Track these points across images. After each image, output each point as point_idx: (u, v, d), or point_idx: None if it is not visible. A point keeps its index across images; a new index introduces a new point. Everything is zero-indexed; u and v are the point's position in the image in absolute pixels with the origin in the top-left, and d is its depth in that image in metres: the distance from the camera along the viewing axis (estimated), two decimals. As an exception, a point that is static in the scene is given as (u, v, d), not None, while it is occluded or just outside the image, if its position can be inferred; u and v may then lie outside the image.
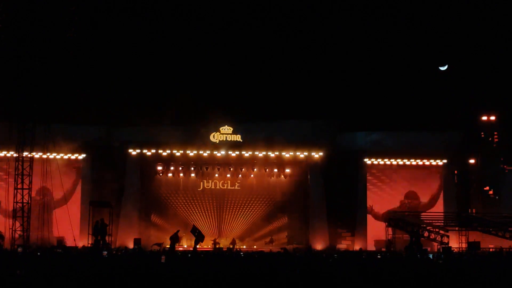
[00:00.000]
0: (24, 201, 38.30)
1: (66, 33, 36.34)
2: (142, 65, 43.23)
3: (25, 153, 38.65)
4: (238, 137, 44.42)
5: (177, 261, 28.17)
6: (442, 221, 42.61)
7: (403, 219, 42.43)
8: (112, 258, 28.41)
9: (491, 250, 40.63)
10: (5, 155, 42.07)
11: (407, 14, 44.15)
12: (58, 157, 42.88)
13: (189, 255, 33.31)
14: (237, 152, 44.30)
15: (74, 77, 40.64)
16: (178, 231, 40.97)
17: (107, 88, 41.89)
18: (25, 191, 38.37)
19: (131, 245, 41.02)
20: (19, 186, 38.41)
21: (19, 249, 26.27)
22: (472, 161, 45.10)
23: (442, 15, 44.02)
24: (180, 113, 42.76)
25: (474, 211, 44.45)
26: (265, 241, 44.98)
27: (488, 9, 43.67)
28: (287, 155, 44.51)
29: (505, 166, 44.89)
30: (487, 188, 45.20)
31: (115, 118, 43.56)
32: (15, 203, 38.37)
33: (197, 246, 39.50)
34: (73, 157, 44.09)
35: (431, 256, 36.70)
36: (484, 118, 45.24)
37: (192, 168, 45.30)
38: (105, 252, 32.35)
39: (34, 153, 39.12)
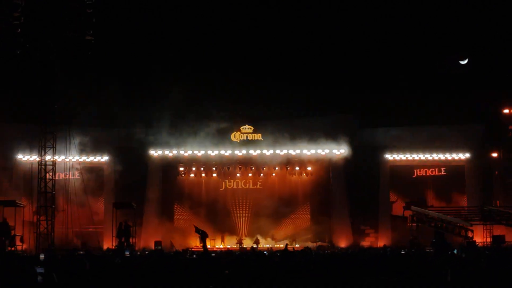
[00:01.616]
0: (48, 204, 38.54)
1: (84, 36, 36.57)
2: (161, 65, 43.27)
3: (47, 157, 38.91)
4: (258, 136, 44.48)
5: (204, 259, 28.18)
6: (466, 216, 42.34)
7: (426, 214, 42.26)
8: (135, 258, 28.51)
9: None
10: (28, 159, 42.41)
11: (426, 7, 43.90)
12: (80, 160, 43.26)
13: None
14: (258, 151, 44.35)
15: (94, 79, 40.84)
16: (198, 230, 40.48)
17: (127, 89, 42.00)
18: (49, 195, 38.61)
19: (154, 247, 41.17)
20: (42, 189, 38.66)
21: (41, 256, 26.33)
22: (494, 154, 44.77)
23: (462, 7, 43.71)
24: (200, 113, 42.81)
25: (498, 204, 44.10)
26: (288, 240, 44.90)
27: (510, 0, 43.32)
28: (308, 153, 44.47)
29: None
30: (511, 181, 44.82)
31: (136, 120, 43.68)
32: (38, 207, 38.63)
33: (207, 244, 39.56)
34: (95, 159, 44.35)
35: (455, 251, 36.54)
36: (506, 111, 44.86)
37: (214, 168, 45.39)
38: (127, 253, 32.46)
39: (56, 157, 39.37)
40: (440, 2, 44.00)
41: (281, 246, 42.93)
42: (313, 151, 44.35)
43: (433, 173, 46.11)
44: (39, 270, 17.37)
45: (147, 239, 42.69)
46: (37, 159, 39.36)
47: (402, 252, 36.18)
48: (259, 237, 44.81)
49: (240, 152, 44.31)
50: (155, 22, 43.97)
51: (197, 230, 39.74)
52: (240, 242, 43.87)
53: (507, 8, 42.85)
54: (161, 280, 19.78)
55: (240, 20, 44.20)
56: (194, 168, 45.23)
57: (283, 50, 45.00)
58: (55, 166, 39.08)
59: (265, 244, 44.27)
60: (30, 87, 38.85)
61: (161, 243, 40.78)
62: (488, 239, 40.93)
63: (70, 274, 18.27)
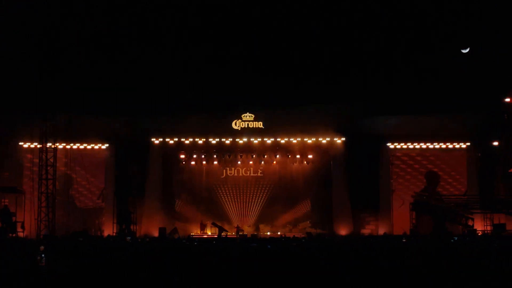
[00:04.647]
0: (49, 191, 38.66)
1: (87, 24, 36.64)
2: (163, 53, 43.27)
3: (48, 144, 38.99)
4: (260, 124, 44.46)
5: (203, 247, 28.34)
6: (466, 204, 42.41)
7: (427, 202, 42.34)
8: (136, 244, 28.66)
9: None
10: (29, 146, 42.46)
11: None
12: (81, 147, 43.30)
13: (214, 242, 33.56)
14: (259, 139, 44.38)
15: (95, 67, 40.84)
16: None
17: (128, 77, 41.98)
18: (50, 181, 38.73)
19: (155, 234, 41.27)
20: (44, 176, 38.77)
21: (41, 247, 26.32)
22: (495, 143, 44.74)
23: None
24: (202, 100, 42.79)
25: (498, 193, 44.11)
26: (288, 227, 45.02)
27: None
28: (309, 141, 44.50)
29: None
30: (511, 170, 44.81)
31: (137, 107, 43.65)
32: (40, 193, 38.73)
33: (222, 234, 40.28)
34: (96, 147, 44.36)
35: (455, 239, 36.69)
36: (507, 100, 44.80)
37: (215, 156, 45.40)
38: (128, 238, 32.61)
39: (57, 144, 39.44)
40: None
41: (279, 233, 43.18)
42: (314, 139, 44.37)
43: (433, 161, 46.13)
44: (41, 255, 17.47)
45: (148, 226, 42.74)
46: (39, 146, 39.46)
47: (403, 240, 36.42)
48: (259, 225, 44.99)
49: (241, 140, 44.31)
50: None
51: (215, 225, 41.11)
52: (240, 230, 43.97)
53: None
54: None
55: (240, 7, 44.06)
56: (195, 156, 45.21)
57: (283, 38, 44.89)
58: (56, 153, 39.18)
59: (265, 231, 44.36)
60: (32, 74, 38.87)
61: (165, 231, 40.91)
62: (488, 228, 41.05)
63: (70, 257, 18.42)
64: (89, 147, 44.14)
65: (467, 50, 45.48)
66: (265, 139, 44.42)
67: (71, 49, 38.36)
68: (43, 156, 38.97)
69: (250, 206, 45.63)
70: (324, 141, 44.48)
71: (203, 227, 44.51)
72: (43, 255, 17.29)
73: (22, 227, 39.63)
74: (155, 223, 42.45)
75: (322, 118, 44.21)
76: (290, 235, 41.05)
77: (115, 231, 40.07)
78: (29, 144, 42.48)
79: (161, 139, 44.30)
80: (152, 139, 44.20)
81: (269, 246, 29.54)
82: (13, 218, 38.97)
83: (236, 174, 46.28)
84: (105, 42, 41.08)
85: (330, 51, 44.79)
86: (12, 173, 42.63)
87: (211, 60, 43.46)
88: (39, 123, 39.04)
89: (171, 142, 44.44)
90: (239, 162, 45.67)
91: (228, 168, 46.23)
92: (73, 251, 23.00)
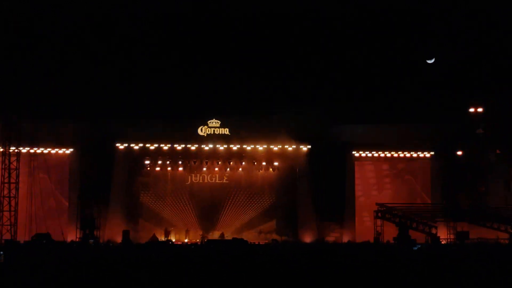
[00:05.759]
0: (12, 195, 38.19)
1: (54, 28, 36.41)
2: (129, 58, 43.12)
3: (12, 148, 38.55)
4: (226, 131, 44.38)
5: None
6: (430, 213, 42.78)
7: (390, 211, 42.58)
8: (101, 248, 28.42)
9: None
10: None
11: (394, 7, 44.21)
12: (45, 151, 42.84)
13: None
14: (225, 146, 44.26)
15: (60, 72, 40.56)
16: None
17: (93, 82, 41.73)
18: (12, 185, 38.27)
19: (119, 239, 40.92)
20: (6, 180, 38.30)
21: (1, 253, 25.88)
22: (459, 152, 45.15)
23: (429, 7, 44.13)
24: (168, 106, 42.70)
25: (461, 202, 44.50)
26: (253, 234, 44.91)
27: (475, 1, 43.81)
28: (275, 148, 44.53)
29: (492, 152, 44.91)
30: (474, 179, 45.24)
31: (102, 112, 43.35)
32: (2, 197, 38.24)
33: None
34: (60, 151, 43.90)
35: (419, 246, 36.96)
36: (472, 110, 45.28)
37: (180, 162, 45.16)
38: (91, 241, 32.25)
39: (21, 148, 39.01)
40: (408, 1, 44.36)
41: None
42: (280, 147, 44.42)
43: (398, 170, 46.42)
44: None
45: (112, 231, 42.37)
46: (1, 150, 39.01)
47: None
48: (224, 231, 44.83)
49: (206, 146, 44.17)
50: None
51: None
52: (204, 236, 43.74)
53: (473, 8, 43.42)
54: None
55: (211, 14, 44.13)
56: (160, 162, 44.93)
57: (251, 47, 45.01)
58: (19, 157, 38.74)
59: (230, 238, 44.14)
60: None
61: (129, 234, 40.60)
62: (452, 236, 41.38)
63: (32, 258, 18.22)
64: (53, 151, 43.69)
65: (432, 60, 45.94)
66: (231, 145, 44.33)
67: (34, 52, 38.01)
68: (6, 160, 38.49)
69: (215, 213, 45.40)
70: (289, 149, 44.57)
71: (167, 234, 44.22)
72: (1, 252, 17.09)
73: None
74: (118, 228, 42.10)
75: (288, 126, 44.29)
76: (255, 241, 41.04)
77: (78, 236, 39.66)
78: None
79: (126, 144, 43.99)
80: (117, 144, 43.87)
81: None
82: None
83: (201, 181, 46.05)
84: (71, 46, 40.83)
85: (298, 60, 44.98)
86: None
87: (178, 66, 43.40)
88: (2, 127, 38.56)
89: (136, 147, 44.15)
90: (204, 169, 45.50)
91: (193, 175, 45.99)
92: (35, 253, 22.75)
